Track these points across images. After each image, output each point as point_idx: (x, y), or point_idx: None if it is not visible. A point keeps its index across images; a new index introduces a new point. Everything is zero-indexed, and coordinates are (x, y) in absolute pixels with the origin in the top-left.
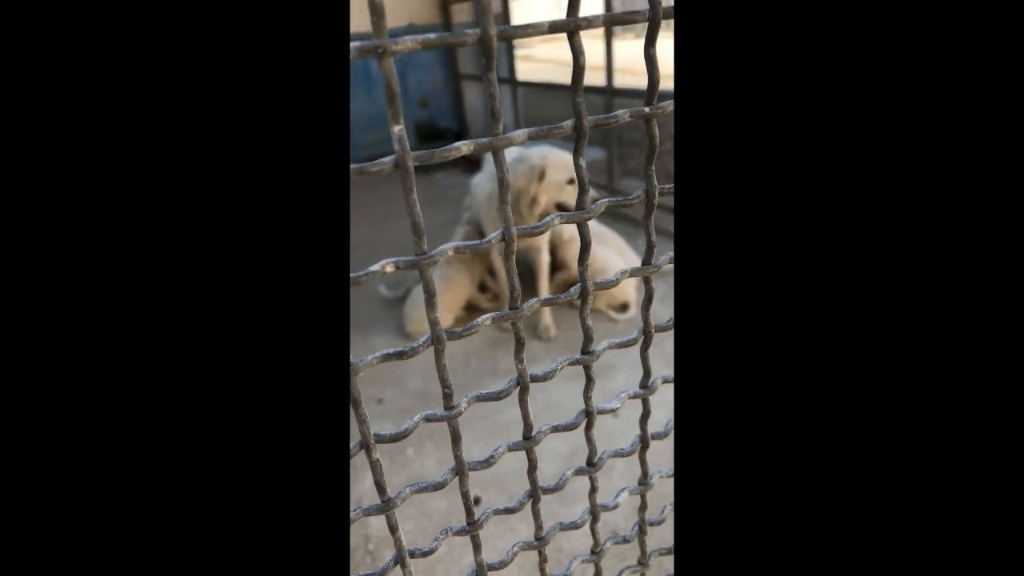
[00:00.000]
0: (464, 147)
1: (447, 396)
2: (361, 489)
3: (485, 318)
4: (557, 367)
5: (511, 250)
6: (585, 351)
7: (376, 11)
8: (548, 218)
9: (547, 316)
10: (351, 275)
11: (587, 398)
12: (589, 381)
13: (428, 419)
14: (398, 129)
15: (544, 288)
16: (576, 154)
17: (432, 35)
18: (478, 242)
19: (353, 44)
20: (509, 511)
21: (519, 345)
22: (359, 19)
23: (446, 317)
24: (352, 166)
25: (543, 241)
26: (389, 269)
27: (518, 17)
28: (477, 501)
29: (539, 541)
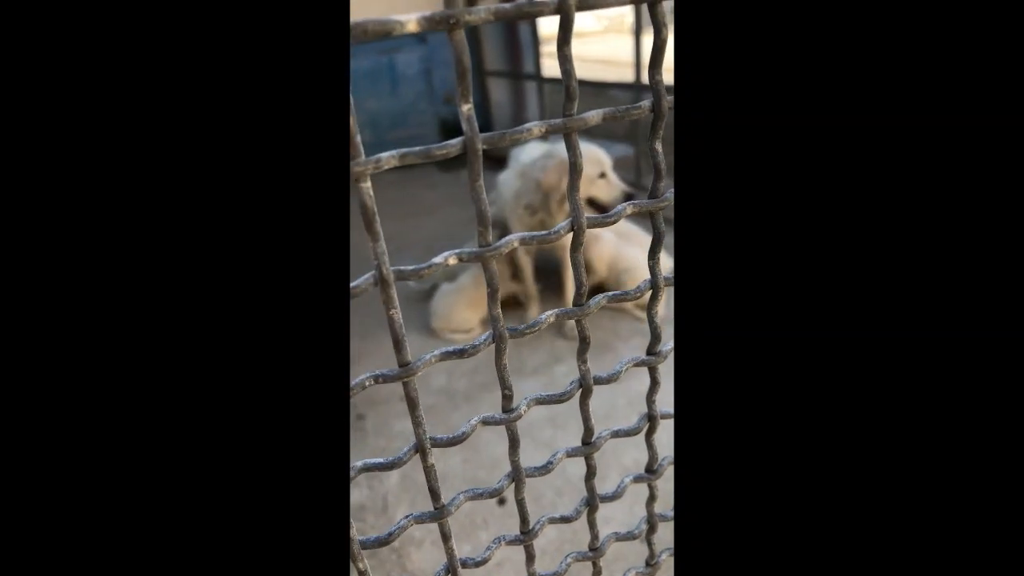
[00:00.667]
0: (536, 128)
1: (507, 398)
2: (386, 487)
3: (549, 315)
4: (621, 368)
5: (579, 241)
6: (651, 351)
7: None
8: (619, 207)
9: None
10: (414, 267)
11: (650, 402)
12: (654, 384)
13: (486, 422)
14: (467, 108)
15: (570, 291)
16: (653, 136)
17: (507, 5)
18: (545, 232)
19: (423, 15)
20: (566, 520)
21: (583, 345)
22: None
23: (474, 319)
24: (418, 148)
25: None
26: (452, 261)
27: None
28: (503, 502)
29: (594, 552)
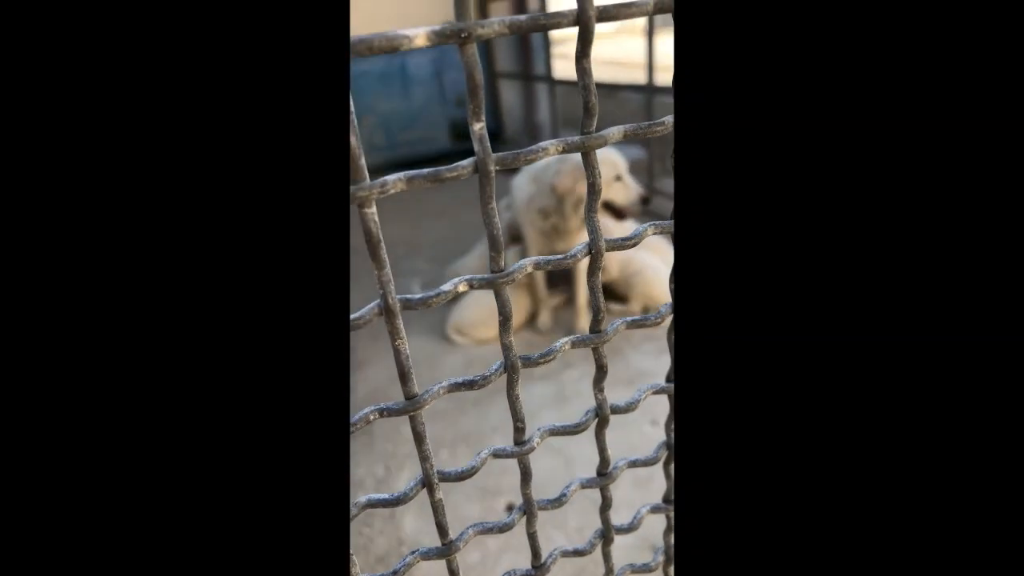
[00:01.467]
0: (552, 147)
1: (519, 430)
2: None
3: (564, 342)
4: (640, 396)
5: (597, 265)
6: (671, 379)
7: None
8: (641, 227)
9: (583, 318)
10: (421, 296)
11: (669, 430)
12: (674, 412)
13: (496, 455)
14: (479, 127)
15: (582, 294)
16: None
17: (522, 17)
18: (560, 256)
19: (432, 29)
20: (579, 553)
21: (600, 373)
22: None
23: (487, 330)
24: (427, 171)
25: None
26: (463, 288)
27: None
28: (510, 509)
29: None
